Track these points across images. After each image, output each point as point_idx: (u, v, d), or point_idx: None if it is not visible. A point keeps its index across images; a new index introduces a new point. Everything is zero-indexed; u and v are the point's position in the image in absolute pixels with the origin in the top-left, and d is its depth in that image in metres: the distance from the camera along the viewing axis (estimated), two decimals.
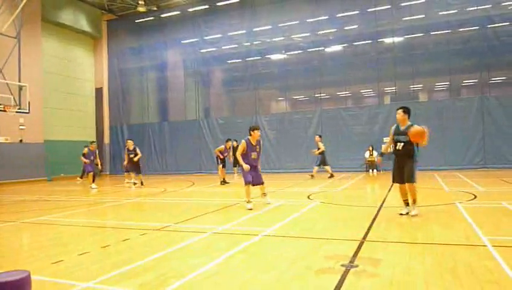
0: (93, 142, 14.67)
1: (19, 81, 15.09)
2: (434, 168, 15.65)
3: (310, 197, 9.05)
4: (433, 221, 5.73)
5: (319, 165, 14.50)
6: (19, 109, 15.06)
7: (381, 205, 7.41)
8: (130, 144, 13.79)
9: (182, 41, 21.63)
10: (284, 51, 19.42)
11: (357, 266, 3.66)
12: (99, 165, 14.88)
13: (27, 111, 15.33)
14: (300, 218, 6.45)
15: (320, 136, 15.07)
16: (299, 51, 19.31)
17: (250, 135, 7.72)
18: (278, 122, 19.16)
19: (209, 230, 5.60)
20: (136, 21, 22.57)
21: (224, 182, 13.44)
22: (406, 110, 6.21)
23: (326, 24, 18.43)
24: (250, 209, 7.31)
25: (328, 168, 14.48)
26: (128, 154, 13.64)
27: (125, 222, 6.67)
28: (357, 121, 17.78)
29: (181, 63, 22.05)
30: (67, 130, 21.11)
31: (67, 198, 11.09)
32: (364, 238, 4.83)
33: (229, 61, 20.83)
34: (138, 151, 13.63)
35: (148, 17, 22.07)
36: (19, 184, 16.08)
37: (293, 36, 19.15)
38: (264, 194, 8.05)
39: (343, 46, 18.67)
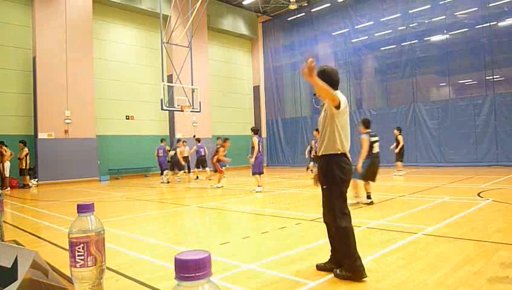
0: (163, 139, 15.60)
1: (192, 85, 17.39)
2: None
3: (481, 194, 7.98)
4: None
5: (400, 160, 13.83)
6: (192, 108, 17.31)
7: None
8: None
9: (333, 33, 21.51)
10: (445, 31, 17.39)
11: None
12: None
13: (198, 110, 17.55)
14: (468, 217, 5.75)
15: (399, 129, 13.86)
16: (464, 29, 17.00)
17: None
18: (439, 111, 17.29)
19: (363, 224, 5.48)
20: (288, 19, 23.45)
21: None
22: None
23: None
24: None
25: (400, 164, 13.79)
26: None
27: (281, 211, 7.06)
28: None
29: (332, 56, 21.93)
30: (230, 126, 23.45)
31: (235, 186, 12.34)
32: None
33: (382, 49, 19.76)
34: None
35: (299, 13, 22.69)
36: (196, 173, 18.53)
37: (456, 13, 16.98)
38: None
39: None
